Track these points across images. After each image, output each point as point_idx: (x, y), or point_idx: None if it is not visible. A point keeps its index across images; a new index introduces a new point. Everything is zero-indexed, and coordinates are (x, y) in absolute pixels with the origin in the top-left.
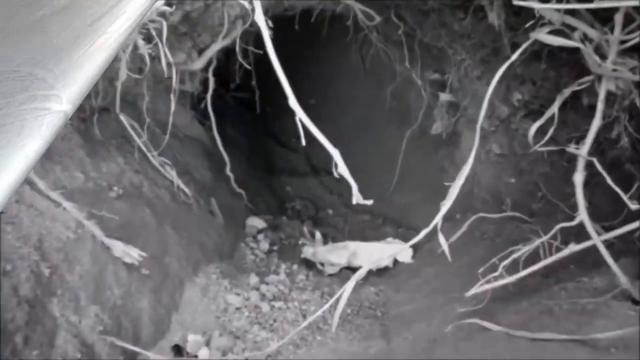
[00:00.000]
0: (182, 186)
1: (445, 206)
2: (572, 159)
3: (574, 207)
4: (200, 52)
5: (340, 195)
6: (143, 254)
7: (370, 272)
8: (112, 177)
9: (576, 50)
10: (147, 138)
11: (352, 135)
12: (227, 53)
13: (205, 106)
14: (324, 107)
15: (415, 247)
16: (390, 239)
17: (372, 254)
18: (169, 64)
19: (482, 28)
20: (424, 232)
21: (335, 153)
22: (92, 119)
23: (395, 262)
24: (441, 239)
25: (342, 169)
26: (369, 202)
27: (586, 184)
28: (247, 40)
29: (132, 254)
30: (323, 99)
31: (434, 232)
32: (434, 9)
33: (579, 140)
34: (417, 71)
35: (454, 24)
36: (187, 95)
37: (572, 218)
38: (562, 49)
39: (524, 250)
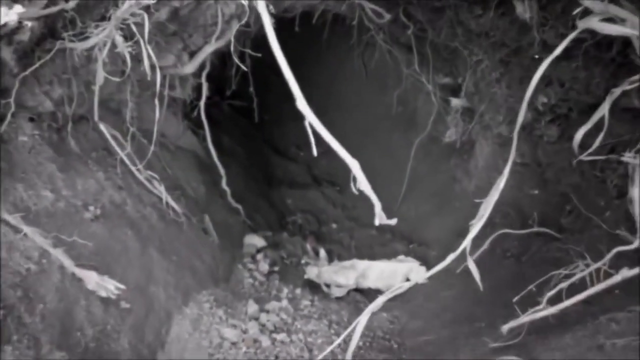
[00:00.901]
0: (172, 203)
1: (476, 227)
2: (606, 168)
3: (609, 222)
4: (192, 54)
5: (344, 207)
6: (121, 286)
7: (380, 293)
8: (88, 195)
9: (610, 47)
10: (132, 150)
11: (355, 144)
12: (223, 57)
13: (199, 114)
14: (324, 114)
15: (428, 265)
16: (402, 257)
17: (382, 273)
18: (153, 66)
19: (504, 25)
20: (451, 258)
21: (354, 165)
22: (67, 129)
23: (408, 281)
24: (472, 266)
25: (362, 183)
26: (393, 222)
27: (620, 195)
28: (244, 42)
29: (108, 286)
30: (324, 105)
31: (448, 248)
32: (449, 5)
33: (617, 147)
34: (427, 75)
35: (471, 21)
36: (178, 102)
37: (609, 234)
38: (597, 45)
39: (568, 277)
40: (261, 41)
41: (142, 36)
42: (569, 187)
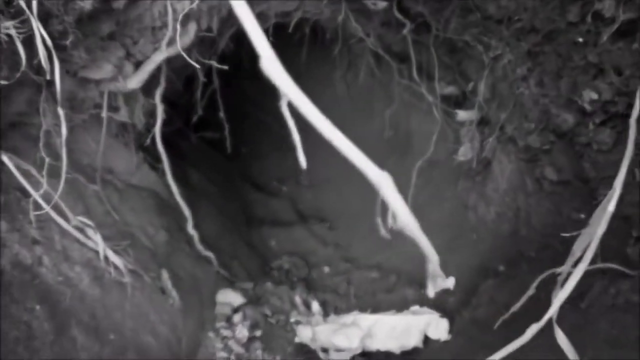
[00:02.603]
0: (113, 257)
1: (576, 274)
2: None
3: None
4: (139, 66)
5: (337, 246)
6: None
7: (392, 357)
8: None
9: None
10: (63, 191)
11: (344, 176)
12: (188, 82)
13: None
14: (306, 145)
15: (450, 315)
16: (416, 308)
17: (393, 331)
18: (84, 79)
19: (534, 3)
20: (534, 330)
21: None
22: None
23: (426, 339)
24: (562, 339)
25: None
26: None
27: None
28: (207, 53)
29: None
30: (305, 136)
31: (471, 290)
32: None
33: None
34: (425, 86)
35: (490, 4)
36: (129, 130)
37: None
38: None
39: None
40: (232, 57)
41: (31, 9)
42: (634, 207)
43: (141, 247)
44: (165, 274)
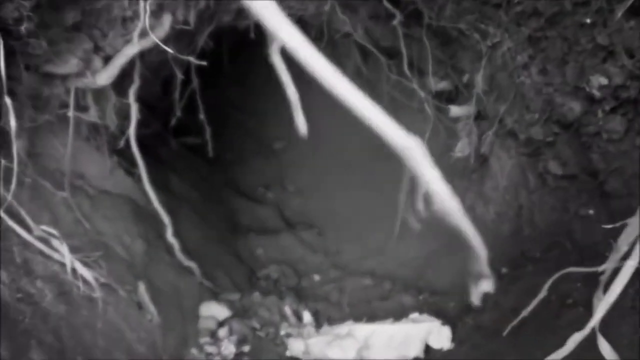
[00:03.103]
0: (82, 270)
1: (625, 274)
2: None
3: None
4: (108, 60)
5: (327, 253)
6: None
7: None
8: None
9: None
10: (26, 198)
11: (332, 181)
12: (166, 82)
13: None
14: (293, 151)
15: (451, 322)
16: (415, 315)
17: (392, 340)
18: (46, 74)
19: None
20: (575, 341)
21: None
22: None
23: (428, 348)
24: (605, 349)
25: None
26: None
27: None
28: (185, 51)
29: None
30: (292, 141)
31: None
32: None
33: None
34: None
35: None
36: (102, 133)
37: None
38: None
39: None
40: (212, 58)
41: None
42: None
43: (116, 258)
44: (142, 287)
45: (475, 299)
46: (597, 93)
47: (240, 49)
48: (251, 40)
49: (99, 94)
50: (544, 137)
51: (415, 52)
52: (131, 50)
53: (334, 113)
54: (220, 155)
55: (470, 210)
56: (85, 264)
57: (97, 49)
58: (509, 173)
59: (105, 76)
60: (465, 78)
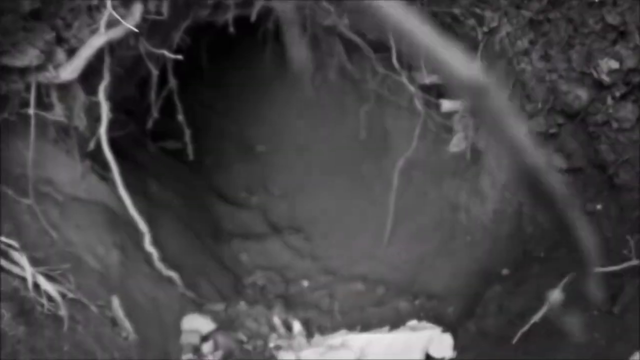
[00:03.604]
0: (46, 285)
1: None
2: None
3: None
4: (73, 53)
5: (315, 258)
6: None
7: None
8: None
9: None
10: None
11: (317, 183)
12: (142, 83)
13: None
14: (276, 154)
15: (452, 329)
16: (413, 322)
17: (390, 349)
18: (5, 67)
19: None
20: None
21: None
22: None
23: (428, 358)
24: None
25: None
26: None
27: None
28: (160, 47)
29: None
30: (274, 144)
31: (471, 299)
32: None
33: None
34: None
35: None
36: (71, 133)
37: None
38: None
39: None
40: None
41: None
42: None
43: (87, 270)
44: (116, 302)
45: None
46: (606, 78)
47: (218, 49)
48: (230, 39)
49: (64, 90)
50: (547, 129)
51: (405, 45)
52: (98, 41)
53: (318, 113)
54: (201, 159)
55: (464, 209)
56: (51, 278)
57: (60, 40)
58: (508, 169)
59: (69, 70)
60: None
